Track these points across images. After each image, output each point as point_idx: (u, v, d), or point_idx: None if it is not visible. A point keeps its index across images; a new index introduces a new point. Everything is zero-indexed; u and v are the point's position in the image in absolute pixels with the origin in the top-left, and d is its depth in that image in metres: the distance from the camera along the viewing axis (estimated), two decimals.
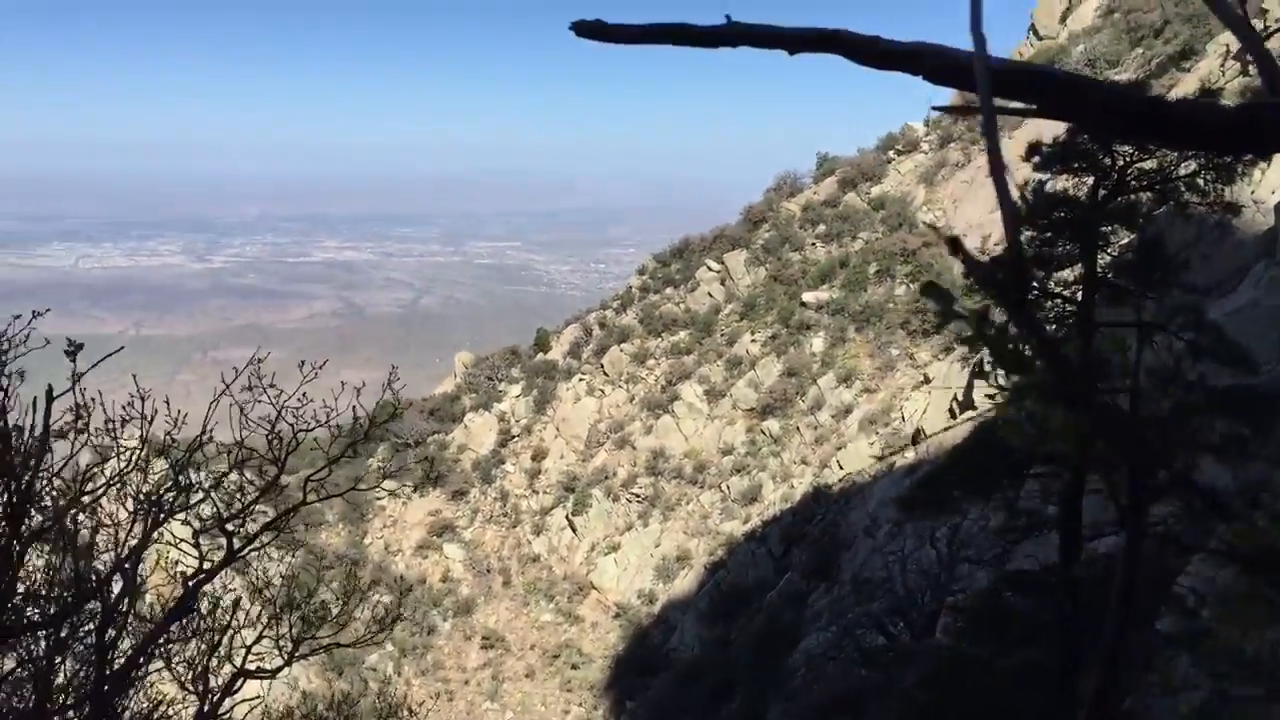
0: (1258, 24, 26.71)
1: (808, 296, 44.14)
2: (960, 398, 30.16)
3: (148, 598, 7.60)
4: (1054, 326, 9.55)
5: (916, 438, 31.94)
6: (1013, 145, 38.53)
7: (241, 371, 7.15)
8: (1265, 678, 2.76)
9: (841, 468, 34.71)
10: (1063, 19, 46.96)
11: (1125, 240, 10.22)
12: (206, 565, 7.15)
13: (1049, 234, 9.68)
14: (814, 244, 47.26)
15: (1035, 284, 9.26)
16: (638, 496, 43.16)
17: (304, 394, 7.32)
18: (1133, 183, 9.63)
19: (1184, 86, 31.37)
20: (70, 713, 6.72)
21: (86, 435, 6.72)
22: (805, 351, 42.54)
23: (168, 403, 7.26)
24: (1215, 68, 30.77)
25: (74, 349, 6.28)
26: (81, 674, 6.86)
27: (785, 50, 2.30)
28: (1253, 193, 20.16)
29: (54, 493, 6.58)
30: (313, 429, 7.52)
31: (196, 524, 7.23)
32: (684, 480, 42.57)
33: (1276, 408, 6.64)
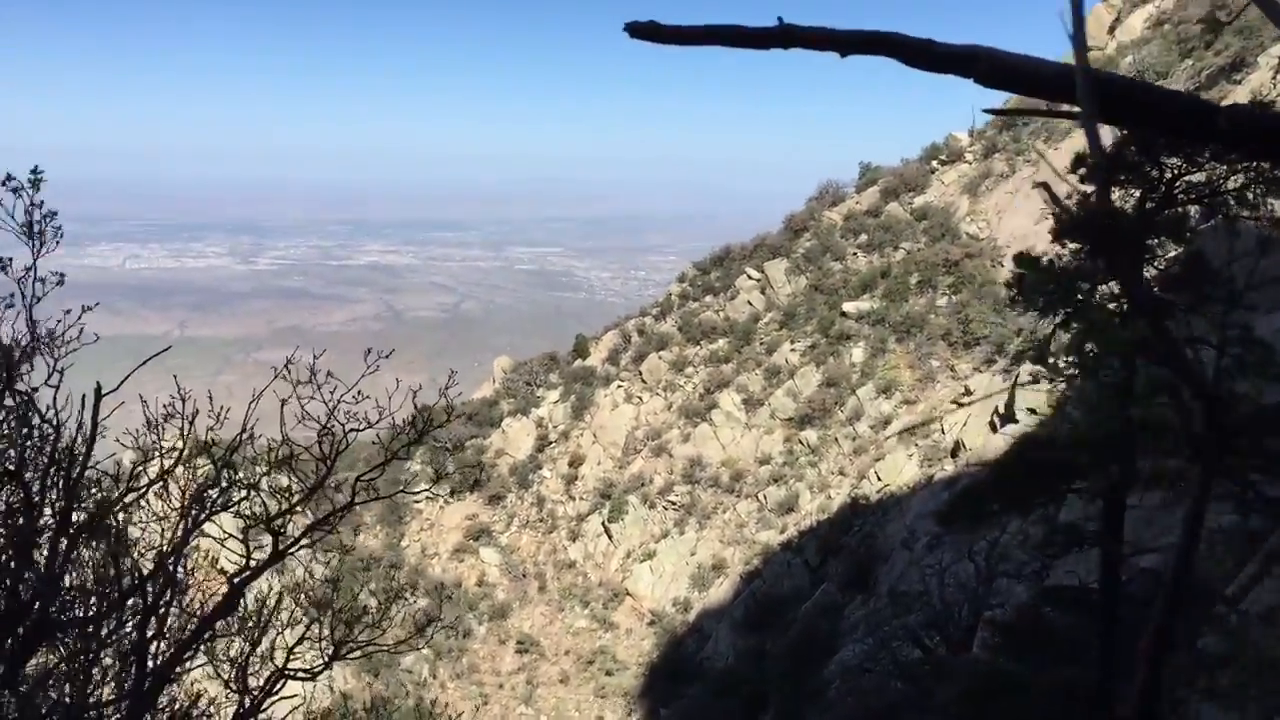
0: None
1: (848, 306, 43.92)
2: (1001, 410, 29.87)
3: (189, 595, 7.68)
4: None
5: (956, 450, 31.70)
6: (1058, 156, 38.18)
7: (280, 370, 7.20)
8: None
9: (880, 479, 34.48)
10: (1111, 30, 46.49)
11: (1172, 254, 10.09)
12: (251, 564, 7.22)
13: (1092, 243, 9.57)
14: (855, 254, 47.03)
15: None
16: (674, 504, 43.10)
17: (359, 391, 7.36)
18: (1181, 195, 9.50)
19: (1234, 98, 30.94)
20: (110, 708, 6.81)
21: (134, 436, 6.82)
22: (845, 362, 42.30)
23: (210, 398, 7.34)
24: (1267, 79, 30.35)
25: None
26: (122, 670, 6.94)
27: (838, 52, 2.29)
28: None
29: (100, 490, 6.67)
30: (363, 429, 7.56)
31: (242, 522, 7.29)
32: (721, 489, 42.45)
33: None
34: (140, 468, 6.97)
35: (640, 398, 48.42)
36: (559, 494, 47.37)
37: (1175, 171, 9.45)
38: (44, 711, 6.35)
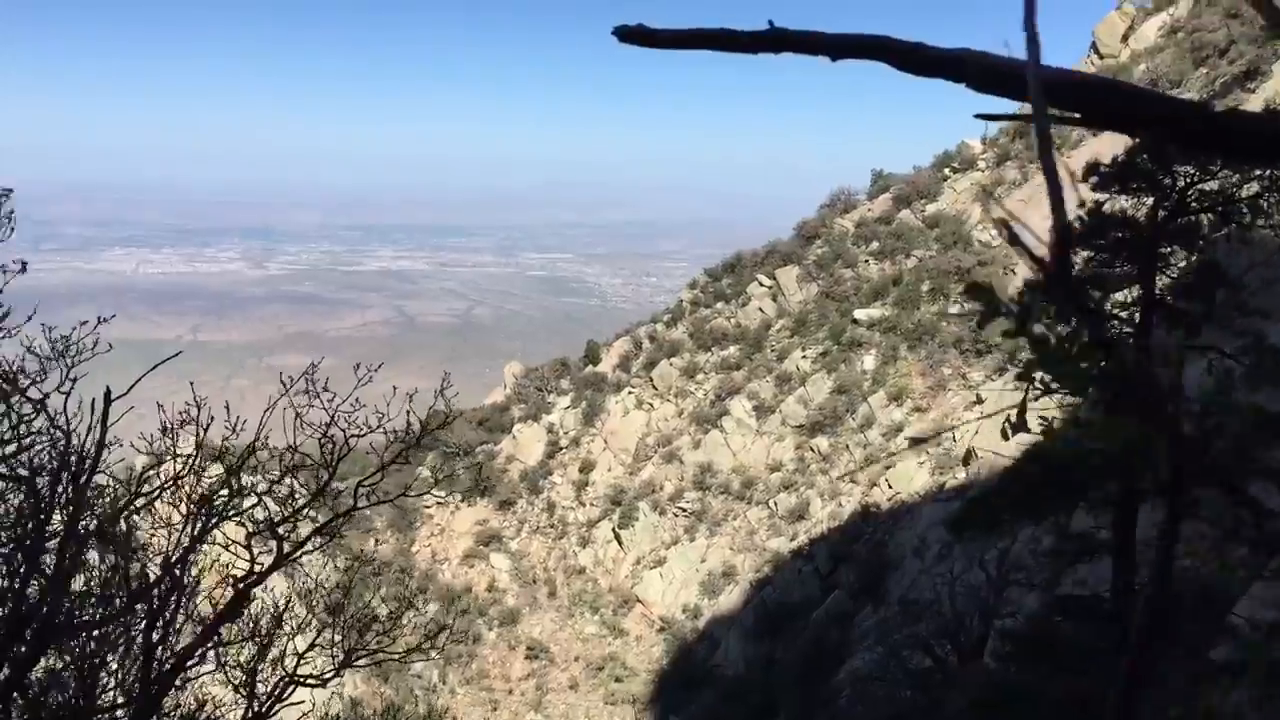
0: None
1: (860, 314, 43.83)
2: (1013, 419, 29.77)
3: (198, 600, 7.68)
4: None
5: (968, 458, 31.60)
6: (1070, 164, 38.05)
7: (299, 379, 7.21)
8: None
9: (891, 487, 34.39)
10: (1125, 38, 46.33)
11: (1185, 262, 10.04)
12: (257, 569, 7.22)
13: (1107, 254, 9.54)
14: (867, 261, 46.94)
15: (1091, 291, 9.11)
16: (684, 511, 43.04)
17: (357, 399, 7.37)
18: (1194, 204, 9.47)
19: (1249, 107, 30.82)
20: (119, 711, 6.82)
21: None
22: (856, 369, 42.22)
23: (227, 408, 7.36)
24: None
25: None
26: (130, 673, 6.95)
27: (828, 56, 2.27)
28: None
29: (110, 494, 6.69)
30: (365, 434, 7.56)
31: (250, 526, 7.29)
32: (731, 496, 42.37)
33: None
34: (150, 472, 6.98)
35: (651, 404, 48.38)
36: (569, 500, 47.35)
37: (1188, 179, 9.43)
38: (52, 714, 6.36)
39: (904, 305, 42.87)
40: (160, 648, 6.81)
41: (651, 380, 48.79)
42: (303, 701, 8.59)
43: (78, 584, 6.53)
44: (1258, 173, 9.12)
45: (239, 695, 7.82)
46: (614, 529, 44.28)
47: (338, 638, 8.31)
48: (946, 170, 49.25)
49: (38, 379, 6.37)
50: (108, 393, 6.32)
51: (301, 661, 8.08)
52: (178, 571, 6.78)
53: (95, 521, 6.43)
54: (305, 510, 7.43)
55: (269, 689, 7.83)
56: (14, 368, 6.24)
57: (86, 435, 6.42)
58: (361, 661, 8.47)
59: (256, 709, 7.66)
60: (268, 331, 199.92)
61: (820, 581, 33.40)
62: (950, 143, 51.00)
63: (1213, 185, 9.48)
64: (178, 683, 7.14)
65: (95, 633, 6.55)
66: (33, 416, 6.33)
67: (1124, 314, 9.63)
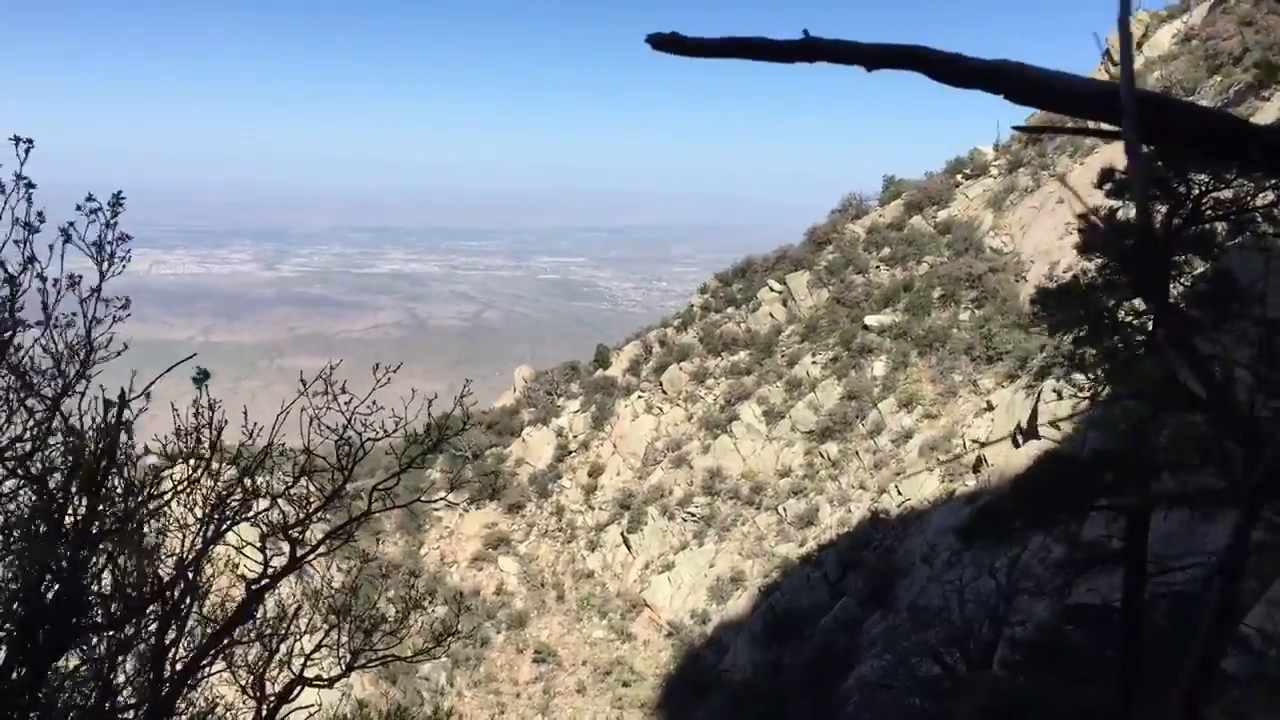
0: None
1: (870, 320, 43.81)
2: (1024, 426, 29.71)
3: (210, 601, 7.70)
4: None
5: (978, 465, 31.53)
6: (1084, 172, 38.01)
7: (314, 380, 7.22)
8: None
9: (900, 493, 34.33)
10: (1139, 45, 46.24)
11: (1199, 270, 10.01)
12: (269, 571, 7.24)
13: (1120, 262, 9.51)
14: (878, 267, 46.91)
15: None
16: (693, 516, 43.02)
17: (374, 401, 7.37)
18: (1208, 212, 9.45)
19: (1263, 115, 30.72)
20: (130, 712, 6.83)
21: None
22: (866, 375, 42.18)
23: (245, 413, 7.37)
24: None
25: (201, 377, 6.51)
26: (143, 674, 6.97)
27: (864, 66, 2.26)
28: None
29: (122, 495, 6.70)
30: (380, 438, 7.56)
31: (263, 528, 7.30)
32: (740, 501, 42.35)
33: None
34: (163, 474, 7.00)
35: (661, 409, 48.38)
36: (578, 504, 47.36)
37: (1203, 188, 9.41)
38: (65, 715, 6.39)
39: (915, 311, 42.85)
40: (173, 649, 6.83)
41: (661, 385, 48.81)
42: (310, 705, 8.60)
43: (92, 585, 6.55)
44: (1273, 182, 9.10)
45: (247, 696, 7.83)
46: (622, 533, 44.29)
47: (345, 639, 8.31)
48: (959, 176, 49.24)
49: (52, 379, 6.40)
50: (121, 394, 6.34)
51: (309, 662, 8.09)
52: (191, 573, 6.80)
53: (109, 523, 6.45)
54: (319, 512, 7.43)
55: (276, 690, 7.84)
56: (29, 367, 6.27)
57: (100, 437, 6.44)
58: (370, 664, 8.48)
59: (265, 710, 7.68)
60: (279, 333, 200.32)
61: (829, 588, 33.36)
62: (963, 149, 51.00)
63: (1227, 194, 9.46)
64: (189, 684, 7.16)
65: (110, 634, 6.57)
66: (47, 417, 6.35)
67: (1137, 321, 9.61)
